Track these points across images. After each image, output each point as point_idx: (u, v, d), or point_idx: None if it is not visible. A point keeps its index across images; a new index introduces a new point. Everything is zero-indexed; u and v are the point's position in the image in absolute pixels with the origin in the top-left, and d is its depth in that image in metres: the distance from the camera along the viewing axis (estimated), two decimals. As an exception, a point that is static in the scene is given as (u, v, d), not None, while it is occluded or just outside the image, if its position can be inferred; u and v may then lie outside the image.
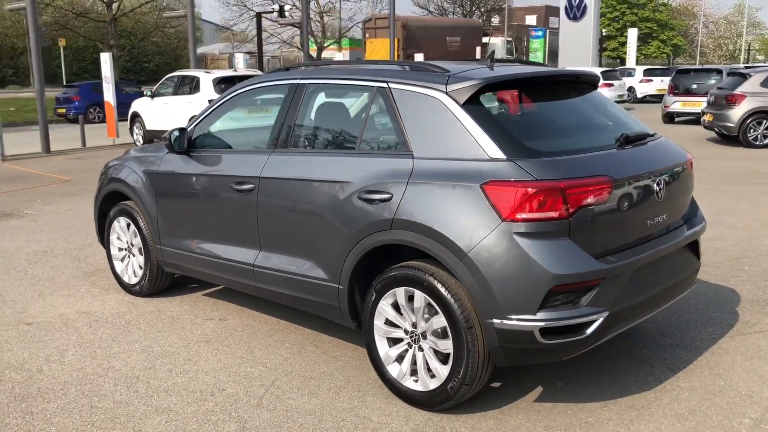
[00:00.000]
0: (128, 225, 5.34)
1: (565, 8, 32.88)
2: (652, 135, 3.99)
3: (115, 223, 5.47)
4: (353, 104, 4.09)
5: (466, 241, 3.24)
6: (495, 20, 65.49)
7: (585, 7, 32.00)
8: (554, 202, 3.13)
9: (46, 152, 15.20)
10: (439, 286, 3.35)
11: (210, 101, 13.57)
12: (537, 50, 48.56)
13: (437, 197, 3.37)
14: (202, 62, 53.51)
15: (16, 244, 7.20)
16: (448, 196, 3.33)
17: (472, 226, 3.24)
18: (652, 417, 3.50)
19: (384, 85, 3.77)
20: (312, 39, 37.95)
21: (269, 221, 4.18)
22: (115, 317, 5.01)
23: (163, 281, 5.34)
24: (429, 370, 3.54)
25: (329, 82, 4.17)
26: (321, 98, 4.22)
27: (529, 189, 3.13)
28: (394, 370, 3.67)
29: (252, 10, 29.30)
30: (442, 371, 3.46)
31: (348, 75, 4.05)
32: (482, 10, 49.58)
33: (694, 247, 4.00)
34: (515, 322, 3.17)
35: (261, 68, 20.64)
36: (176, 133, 4.71)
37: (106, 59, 16.07)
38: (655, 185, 3.56)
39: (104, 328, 4.81)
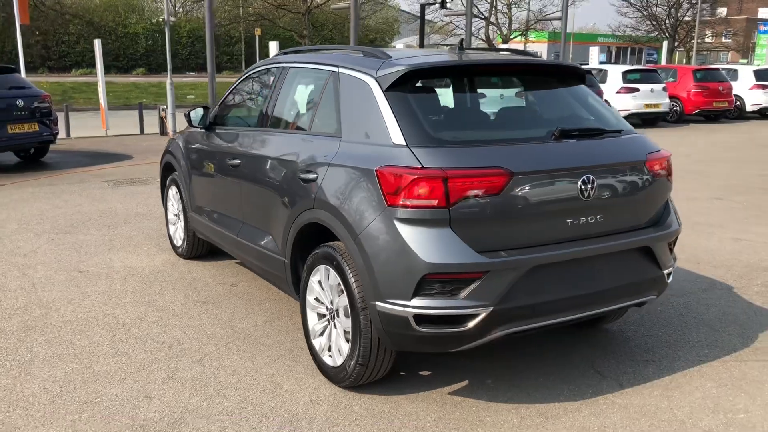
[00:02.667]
0: (177, 193, 5.93)
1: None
2: (616, 131, 3.71)
3: (169, 191, 6.10)
4: (315, 87, 4.24)
5: (358, 224, 3.31)
6: (722, 12, 60.09)
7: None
8: (434, 190, 3.10)
9: (213, 130, 16.80)
10: (344, 265, 3.45)
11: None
12: (765, 46, 43.54)
13: (345, 179, 3.46)
14: (398, 53, 54.89)
15: (126, 206, 8.21)
16: (353, 179, 3.41)
17: (365, 209, 3.30)
18: (555, 428, 3.32)
19: (335, 69, 3.90)
20: (498, 32, 37.73)
21: (247, 195, 4.49)
22: (149, 273, 5.62)
23: (200, 247, 5.86)
24: (339, 346, 3.65)
25: (302, 66, 4.37)
26: (294, 81, 4.42)
27: (411, 175, 3.12)
28: (317, 343, 3.82)
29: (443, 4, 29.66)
30: (345, 349, 3.56)
31: (316, 59, 4.22)
32: (692, 1, 45.69)
33: (650, 254, 3.66)
34: (392, 306, 3.19)
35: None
36: (200, 111, 5.17)
37: (273, 48, 17.33)
38: (579, 182, 3.34)
39: (134, 281, 5.42)
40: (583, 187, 3.35)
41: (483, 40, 35.33)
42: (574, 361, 4.03)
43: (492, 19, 35.80)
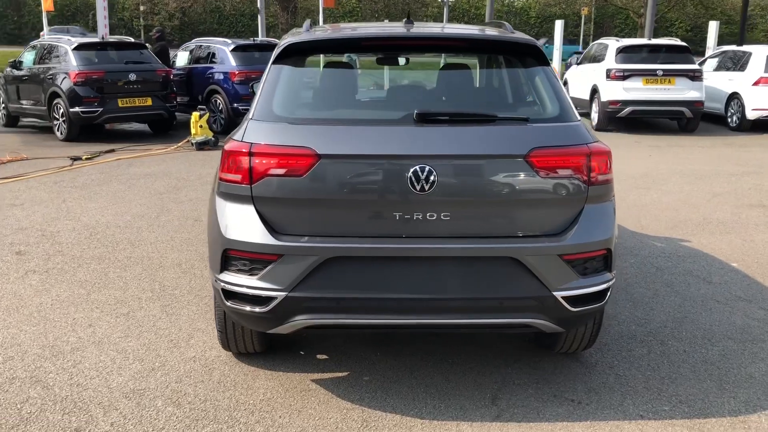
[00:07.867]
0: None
1: None
2: (518, 119, 3.10)
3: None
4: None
5: (212, 195, 3.40)
6: None
7: None
8: (239, 165, 3.04)
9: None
10: None
11: (608, 70, 13.07)
12: None
13: None
14: None
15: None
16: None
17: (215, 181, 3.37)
18: (359, 437, 3.04)
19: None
20: None
21: None
22: (238, 230, 6.23)
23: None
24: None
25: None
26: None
27: (225, 148, 3.11)
28: (230, 307, 3.98)
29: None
30: (222, 316, 3.68)
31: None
32: None
33: (527, 267, 2.99)
34: (214, 280, 3.24)
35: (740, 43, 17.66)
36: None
37: (558, 26, 16.77)
38: (410, 173, 2.91)
39: (218, 234, 6.09)
40: (414, 178, 2.92)
41: None
42: (481, 380, 3.52)
43: None
